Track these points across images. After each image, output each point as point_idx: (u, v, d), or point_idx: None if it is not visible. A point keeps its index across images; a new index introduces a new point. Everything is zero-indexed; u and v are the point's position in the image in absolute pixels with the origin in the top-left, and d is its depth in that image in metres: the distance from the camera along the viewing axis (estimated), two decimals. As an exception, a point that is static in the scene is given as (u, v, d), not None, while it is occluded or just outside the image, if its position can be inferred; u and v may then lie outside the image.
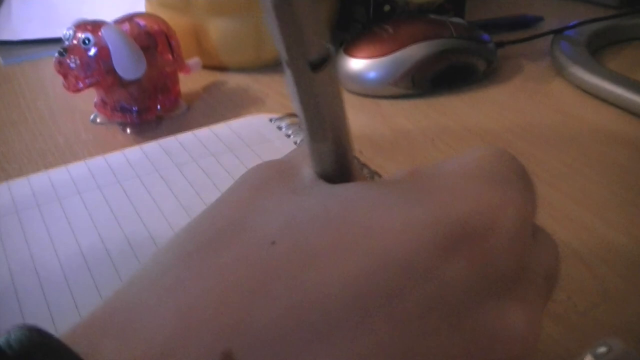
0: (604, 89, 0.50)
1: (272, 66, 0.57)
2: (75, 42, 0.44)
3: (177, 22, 0.52)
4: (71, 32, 0.45)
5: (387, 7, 0.60)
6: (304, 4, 0.16)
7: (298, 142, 0.43)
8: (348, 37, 0.55)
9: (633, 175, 0.40)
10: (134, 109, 0.48)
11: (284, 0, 0.15)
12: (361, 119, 0.49)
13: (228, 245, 0.18)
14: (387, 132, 0.47)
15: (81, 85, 0.45)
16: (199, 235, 0.19)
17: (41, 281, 0.31)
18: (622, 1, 0.69)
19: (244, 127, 0.46)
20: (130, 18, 0.47)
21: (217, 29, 0.56)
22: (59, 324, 0.29)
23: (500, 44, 0.57)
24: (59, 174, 0.40)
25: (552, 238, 0.22)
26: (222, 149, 0.43)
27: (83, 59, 0.44)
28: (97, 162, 0.42)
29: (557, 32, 0.59)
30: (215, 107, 0.52)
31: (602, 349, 0.25)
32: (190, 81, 0.54)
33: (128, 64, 0.45)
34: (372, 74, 0.51)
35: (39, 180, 0.40)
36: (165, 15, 0.52)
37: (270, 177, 0.21)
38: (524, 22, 0.67)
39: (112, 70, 0.44)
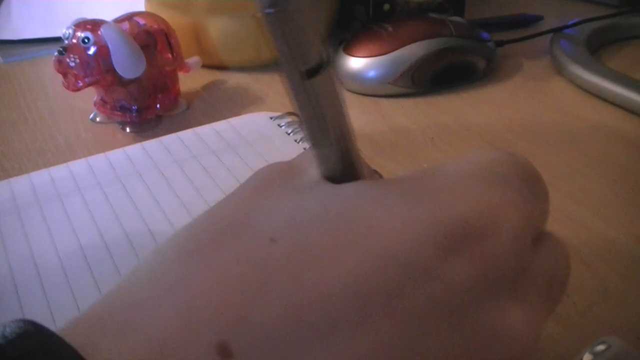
0: (603, 87, 0.50)
1: (271, 65, 0.57)
2: (74, 41, 0.44)
3: (176, 21, 0.52)
4: (71, 31, 0.45)
5: (386, 6, 0.60)
6: (300, 14, 0.16)
7: (298, 140, 0.43)
8: (348, 36, 0.55)
9: (633, 174, 0.40)
10: (133, 107, 0.48)
11: (280, 12, 0.15)
12: (361, 118, 0.49)
13: (229, 244, 0.18)
14: (387, 131, 0.47)
15: (81, 84, 0.45)
16: (200, 234, 0.19)
17: (41, 278, 0.32)
18: (622, 0, 0.69)
19: (245, 125, 0.46)
20: (129, 17, 0.47)
21: (217, 28, 0.56)
22: (59, 322, 0.29)
23: (499, 43, 0.57)
24: (59, 172, 0.41)
25: (562, 244, 0.22)
26: (222, 146, 0.43)
27: (83, 58, 0.44)
28: (98, 159, 0.42)
29: (557, 30, 0.59)
30: (215, 106, 0.52)
31: (600, 347, 0.25)
32: (190, 80, 0.54)
33: (128, 63, 0.45)
34: (371, 73, 0.51)
35: (40, 177, 0.40)
36: (165, 14, 0.52)
37: (273, 177, 0.21)
38: (524, 21, 0.67)
39: (111, 69, 0.44)
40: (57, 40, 0.47)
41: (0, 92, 0.57)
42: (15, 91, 0.57)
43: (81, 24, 0.45)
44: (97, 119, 0.50)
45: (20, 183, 0.39)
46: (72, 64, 0.44)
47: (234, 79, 0.57)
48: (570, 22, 0.59)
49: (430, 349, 0.17)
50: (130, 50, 0.44)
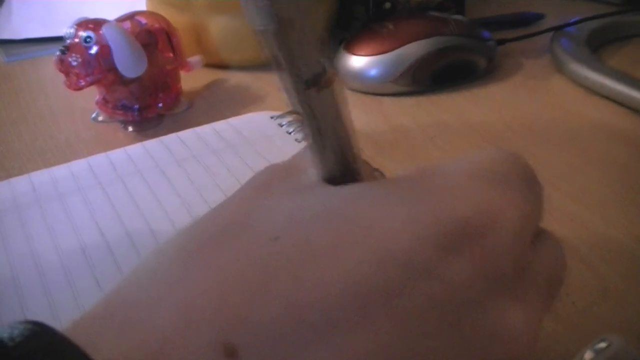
0: (604, 86, 0.50)
1: (272, 64, 0.57)
2: (76, 40, 0.44)
3: (178, 20, 0.53)
4: (72, 30, 0.45)
5: (387, 5, 0.60)
6: (294, 27, 0.16)
7: (299, 139, 0.43)
8: (348, 35, 0.55)
9: (633, 174, 0.40)
10: (135, 107, 0.48)
11: (274, 29, 0.15)
12: (362, 117, 0.49)
13: (229, 244, 0.18)
14: (388, 130, 0.47)
15: (82, 83, 0.45)
16: (200, 234, 0.19)
17: (43, 278, 0.32)
18: (623, -2, 0.69)
19: (245, 125, 0.46)
20: (131, 16, 0.48)
21: (218, 27, 0.56)
22: (61, 321, 0.29)
23: (500, 42, 0.57)
24: (60, 171, 0.41)
25: (558, 241, 0.22)
26: (223, 145, 0.43)
27: (84, 57, 0.44)
28: (99, 158, 0.42)
29: (558, 29, 0.59)
30: (216, 104, 0.52)
31: (602, 345, 0.25)
32: (191, 79, 0.55)
33: (129, 62, 0.45)
34: (372, 72, 0.51)
35: (40, 177, 0.40)
36: (166, 13, 0.52)
37: (272, 178, 0.21)
38: (525, 20, 0.67)
39: (113, 68, 0.45)
40: (58, 39, 0.47)
41: (2, 91, 0.57)
42: (17, 91, 0.57)
43: (83, 24, 0.45)
44: (99, 118, 0.50)
45: (20, 183, 0.40)
46: (74, 63, 0.44)
47: (235, 78, 0.57)
48: (571, 21, 0.60)
49: (430, 349, 0.17)
50: (132, 50, 0.44)
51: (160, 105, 0.49)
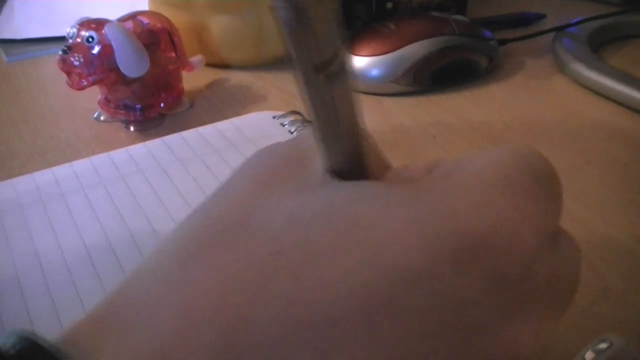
0: (605, 86, 0.50)
1: (274, 63, 0.58)
2: (78, 40, 0.45)
3: (179, 19, 0.53)
4: (75, 30, 0.45)
5: (389, 5, 0.60)
6: (318, 14, 0.15)
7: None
8: (350, 35, 0.55)
9: (634, 173, 0.41)
10: (137, 106, 0.48)
11: (298, 14, 0.15)
12: (363, 117, 0.49)
13: (229, 244, 0.18)
14: (389, 130, 0.47)
15: (84, 83, 0.45)
16: (201, 233, 0.19)
17: (45, 277, 0.32)
18: (624, -2, 0.69)
19: (248, 124, 0.46)
20: (133, 16, 0.48)
21: (220, 26, 0.56)
22: (64, 319, 0.29)
23: (502, 42, 0.57)
24: (63, 171, 0.41)
25: (574, 243, 0.21)
26: (225, 145, 0.43)
27: (86, 57, 0.44)
28: (101, 158, 0.42)
29: (559, 29, 0.59)
30: (218, 104, 0.52)
31: (603, 345, 0.25)
32: (193, 79, 0.55)
33: (131, 62, 0.45)
34: (374, 72, 0.52)
35: (43, 176, 0.40)
36: (168, 13, 0.52)
37: (274, 170, 0.21)
38: (526, 20, 0.67)
39: (115, 68, 0.45)
40: (59, 39, 0.48)
41: (2, 91, 0.57)
42: (17, 90, 0.57)
43: (85, 23, 0.45)
44: (101, 118, 0.50)
45: (23, 182, 0.40)
46: (76, 63, 0.44)
47: (237, 77, 0.57)
48: (573, 21, 0.60)
49: (431, 349, 0.17)
50: (134, 49, 0.45)
51: (162, 104, 0.49)
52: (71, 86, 0.45)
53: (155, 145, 0.43)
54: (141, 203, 0.37)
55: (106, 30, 0.44)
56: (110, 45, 0.44)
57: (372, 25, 0.54)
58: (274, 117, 0.47)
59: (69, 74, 0.45)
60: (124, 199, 0.37)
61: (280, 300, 0.16)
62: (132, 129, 0.49)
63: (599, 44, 0.59)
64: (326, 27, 0.16)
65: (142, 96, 0.48)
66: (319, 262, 0.17)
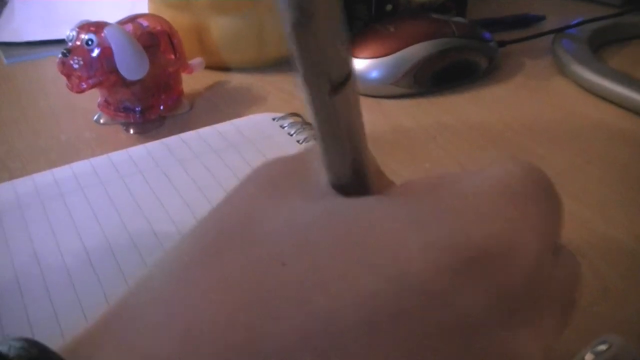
0: (605, 87, 0.50)
1: (274, 65, 0.58)
2: (78, 42, 0.45)
3: (179, 21, 0.53)
4: (74, 32, 0.45)
5: (389, 7, 0.60)
6: (327, 27, 0.15)
7: (301, 140, 0.43)
8: (350, 36, 0.55)
9: (634, 173, 0.41)
10: (137, 108, 0.48)
11: (304, 21, 0.15)
12: (363, 119, 0.49)
13: (237, 259, 0.18)
14: (389, 131, 0.47)
15: (84, 85, 0.45)
16: (206, 250, 0.19)
17: (45, 278, 0.32)
18: (624, 0, 0.69)
19: (247, 126, 0.46)
20: (133, 18, 0.48)
21: (220, 28, 0.56)
22: (63, 321, 0.29)
23: (502, 43, 0.57)
24: (62, 172, 0.41)
25: (574, 258, 0.21)
26: (224, 146, 0.43)
27: (86, 60, 0.44)
28: (100, 160, 0.42)
29: (559, 30, 0.59)
30: (218, 106, 0.52)
31: (602, 347, 0.25)
32: (193, 81, 0.55)
33: (131, 64, 0.45)
34: (374, 74, 0.52)
35: (43, 178, 0.40)
36: (167, 15, 0.52)
37: (281, 181, 0.21)
38: (526, 21, 0.67)
39: (115, 71, 0.45)
40: (59, 42, 0.48)
41: (4, 92, 0.57)
42: (18, 92, 0.57)
43: (85, 26, 0.45)
44: (101, 120, 0.50)
45: (23, 184, 0.40)
46: (76, 66, 0.44)
47: (237, 79, 0.57)
48: (573, 22, 0.60)
49: (432, 351, 0.16)
50: (134, 52, 0.45)
51: (162, 107, 0.49)
52: (71, 89, 0.45)
53: (154, 146, 0.44)
54: (141, 204, 0.37)
55: (106, 32, 0.44)
56: (110, 48, 0.44)
57: (371, 27, 0.54)
58: (273, 119, 0.47)
59: (68, 76, 0.45)
60: (124, 201, 0.37)
61: (288, 323, 0.16)
62: (132, 131, 0.49)
63: (599, 45, 0.59)
64: (337, 45, 0.16)
65: (142, 98, 0.48)
66: (329, 286, 0.17)
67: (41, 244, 0.34)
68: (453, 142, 0.45)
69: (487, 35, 0.55)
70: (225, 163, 0.41)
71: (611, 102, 0.49)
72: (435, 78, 0.53)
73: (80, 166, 0.41)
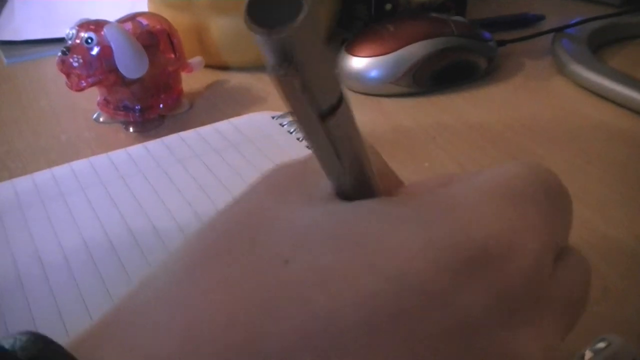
0: (605, 86, 0.50)
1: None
2: (77, 41, 0.45)
3: (179, 21, 0.53)
4: (74, 31, 0.45)
5: (388, 6, 0.60)
6: (308, 63, 0.15)
7: (300, 138, 0.43)
8: (350, 36, 0.55)
9: (633, 173, 0.41)
10: (136, 107, 0.48)
11: (287, 65, 0.14)
12: (362, 118, 0.49)
13: (238, 259, 0.18)
14: (389, 130, 0.47)
15: (84, 84, 0.45)
16: (208, 250, 0.19)
17: (47, 277, 0.32)
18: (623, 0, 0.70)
19: (247, 124, 0.46)
20: (132, 17, 0.48)
21: (219, 27, 0.56)
22: (66, 319, 0.29)
23: (501, 43, 0.57)
24: (62, 171, 0.41)
25: (585, 261, 0.21)
26: (225, 145, 0.43)
27: (86, 58, 0.44)
28: (100, 159, 0.42)
29: (558, 30, 0.59)
30: (218, 105, 0.52)
31: (600, 345, 0.25)
32: (193, 80, 0.55)
33: (130, 63, 0.45)
34: (373, 73, 0.52)
35: (43, 177, 0.40)
36: (167, 14, 0.52)
37: (286, 186, 0.21)
38: (525, 21, 0.67)
39: (114, 69, 0.45)
40: (59, 41, 0.48)
41: (4, 92, 0.57)
42: (19, 91, 0.57)
43: (84, 25, 0.45)
44: (100, 119, 0.50)
45: (23, 183, 0.40)
46: (75, 64, 0.44)
47: (236, 79, 0.57)
48: (572, 22, 0.60)
49: (432, 352, 0.16)
50: (133, 51, 0.45)
51: (162, 106, 0.49)
52: (70, 87, 0.45)
53: (154, 145, 0.44)
54: (141, 202, 0.37)
55: (105, 31, 0.44)
56: (110, 47, 0.44)
57: (371, 26, 0.54)
58: (273, 117, 0.47)
59: (68, 75, 0.45)
60: (124, 199, 0.38)
61: (289, 323, 0.16)
62: (131, 130, 0.49)
63: (598, 45, 0.59)
64: (324, 78, 0.15)
65: (141, 97, 0.48)
66: (330, 286, 0.17)
67: (42, 242, 0.34)
68: (452, 141, 0.45)
69: (487, 34, 0.55)
70: (225, 161, 0.41)
71: (611, 101, 0.49)
72: (435, 77, 0.52)
73: (79, 165, 0.41)
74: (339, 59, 0.53)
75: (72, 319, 0.29)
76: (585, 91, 0.52)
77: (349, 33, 0.59)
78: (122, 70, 0.45)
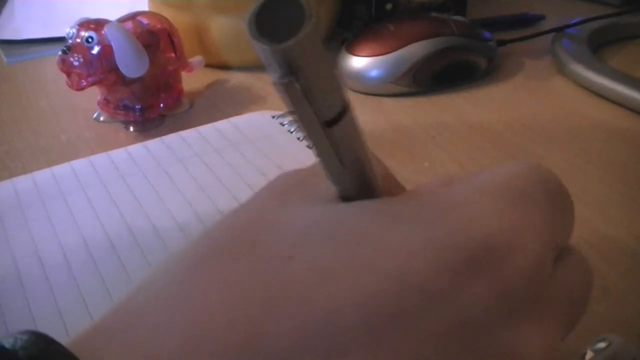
0: (605, 86, 0.50)
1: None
2: (78, 40, 0.45)
3: (179, 20, 0.53)
4: (74, 30, 0.45)
5: (389, 6, 0.60)
6: (312, 74, 0.15)
7: (300, 138, 0.43)
8: (350, 35, 0.55)
9: (633, 173, 0.41)
10: (136, 107, 0.48)
11: (291, 76, 0.15)
12: (363, 117, 0.49)
13: (238, 260, 0.18)
14: (389, 130, 0.47)
15: (84, 83, 0.45)
16: (211, 250, 0.19)
17: (47, 276, 0.32)
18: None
19: (247, 124, 0.46)
20: (133, 16, 0.48)
21: (220, 27, 0.56)
22: (66, 318, 0.29)
23: (501, 42, 0.57)
24: (62, 170, 0.41)
25: (585, 262, 0.21)
26: (225, 144, 0.43)
27: (86, 57, 0.44)
28: (100, 158, 0.42)
29: (558, 30, 0.59)
30: (218, 105, 0.52)
31: (601, 345, 0.25)
32: (193, 79, 0.55)
33: (131, 62, 0.45)
34: (373, 72, 0.52)
35: (43, 176, 0.40)
36: (167, 13, 0.52)
37: (287, 191, 0.21)
38: (525, 21, 0.67)
39: (114, 69, 0.45)
40: (60, 40, 0.48)
41: (4, 91, 0.57)
42: (19, 91, 0.57)
43: (84, 24, 0.45)
44: (101, 118, 0.50)
45: (23, 182, 0.40)
46: (76, 63, 0.44)
47: (237, 78, 0.57)
48: (572, 22, 0.60)
49: (434, 352, 0.16)
50: (134, 50, 0.45)
51: (162, 105, 0.49)
52: (71, 86, 0.45)
53: (154, 144, 0.44)
54: (141, 202, 0.37)
55: (106, 30, 0.44)
56: (110, 46, 0.44)
57: (371, 26, 0.54)
58: (273, 117, 0.47)
59: (68, 74, 0.45)
60: (124, 198, 0.38)
61: (290, 323, 0.16)
62: (131, 129, 0.49)
63: (598, 45, 0.59)
64: (329, 87, 0.16)
65: (141, 97, 0.48)
66: (331, 286, 0.17)
67: (42, 241, 0.34)
68: (452, 141, 0.45)
69: (487, 34, 0.55)
70: (224, 161, 0.41)
71: (611, 101, 0.49)
72: (435, 77, 0.53)
73: (79, 164, 0.41)
74: (339, 59, 0.53)
75: (72, 319, 0.29)
76: (585, 91, 0.52)
77: (349, 33, 0.59)
78: (123, 69, 0.45)
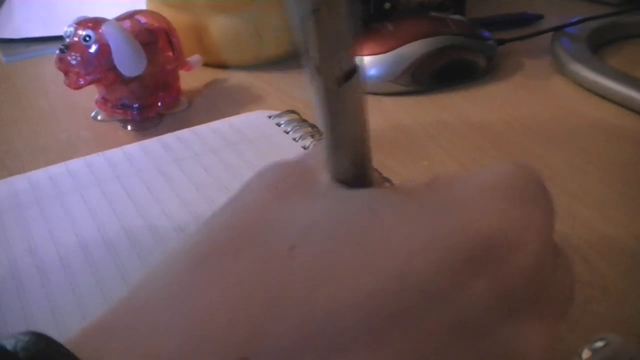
0: (604, 86, 0.50)
1: (272, 64, 0.58)
2: (76, 39, 0.44)
3: (178, 19, 0.53)
4: (72, 29, 0.45)
5: (387, 5, 0.60)
6: (338, 16, 0.15)
7: (297, 138, 0.43)
8: (358, 32, 0.55)
9: (633, 172, 0.41)
10: (135, 106, 0.48)
11: (319, 15, 0.15)
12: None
13: (238, 260, 0.18)
14: (388, 128, 0.47)
15: (82, 82, 0.45)
16: (211, 246, 0.19)
17: (43, 276, 0.32)
18: (623, -1, 0.70)
19: (243, 124, 0.46)
20: (131, 15, 0.48)
21: (218, 26, 0.56)
22: (61, 319, 0.29)
23: (500, 41, 0.57)
24: (57, 170, 0.41)
25: (570, 259, 0.21)
26: (221, 144, 0.43)
27: (84, 56, 0.44)
28: (96, 158, 0.42)
29: (558, 29, 0.59)
30: (216, 104, 0.52)
31: (599, 344, 0.25)
32: (191, 78, 0.55)
33: (129, 61, 0.45)
34: (372, 71, 0.51)
35: (38, 176, 0.40)
36: (166, 12, 0.52)
37: (285, 183, 0.21)
38: (525, 20, 0.67)
39: (113, 67, 0.45)
40: (58, 39, 0.47)
41: (2, 91, 0.57)
42: (17, 90, 0.57)
43: (82, 22, 0.45)
44: (99, 117, 0.50)
45: (19, 181, 0.40)
46: (74, 62, 0.44)
47: (235, 77, 0.57)
48: (571, 21, 0.60)
49: (435, 351, 0.16)
50: (132, 49, 0.44)
51: (160, 104, 0.49)
52: (68, 85, 0.45)
53: (149, 144, 0.43)
54: (136, 201, 0.37)
55: (104, 29, 0.44)
56: (108, 45, 0.44)
57: (370, 25, 0.54)
58: (269, 117, 0.47)
59: (66, 73, 0.45)
60: (119, 197, 0.37)
61: (292, 321, 0.16)
62: (129, 128, 0.49)
63: (598, 44, 0.59)
64: (347, 35, 0.16)
65: (140, 96, 0.48)
66: (331, 285, 0.17)
67: (38, 241, 0.34)
68: (451, 140, 0.45)
69: (486, 33, 0.55)
70: (220, 161, 0.41)
71: (610, 101, 0.49)
72: (434, 76, 0.52)
73: (74, 164, 0.41)
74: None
75: (67, 320, 0.29)
76: (584, 90, 0.52)
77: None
78: (121, 68, 0.45)
